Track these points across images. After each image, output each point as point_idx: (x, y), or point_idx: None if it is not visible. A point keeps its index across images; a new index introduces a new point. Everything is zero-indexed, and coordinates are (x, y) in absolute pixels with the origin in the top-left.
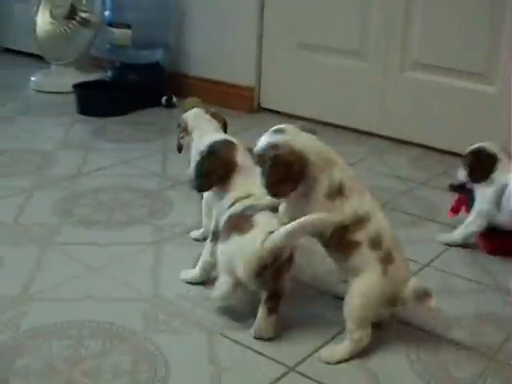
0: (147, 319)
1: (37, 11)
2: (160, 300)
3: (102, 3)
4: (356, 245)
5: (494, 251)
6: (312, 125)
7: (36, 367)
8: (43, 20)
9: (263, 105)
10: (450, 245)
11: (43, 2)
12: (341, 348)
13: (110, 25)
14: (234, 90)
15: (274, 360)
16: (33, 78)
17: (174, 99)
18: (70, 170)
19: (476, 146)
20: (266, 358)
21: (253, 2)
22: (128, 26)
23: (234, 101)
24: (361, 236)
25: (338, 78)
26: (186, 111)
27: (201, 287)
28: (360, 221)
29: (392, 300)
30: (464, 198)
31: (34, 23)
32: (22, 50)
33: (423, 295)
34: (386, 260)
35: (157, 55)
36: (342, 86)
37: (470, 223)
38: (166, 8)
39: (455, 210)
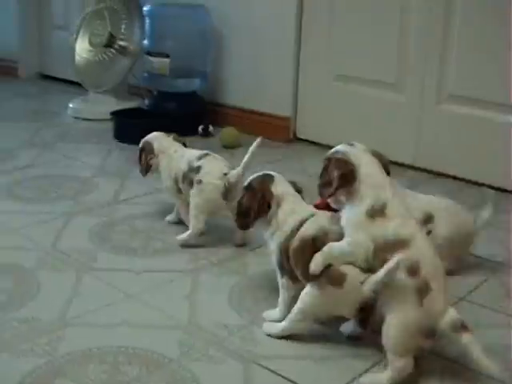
0: (183, 347)
1: (76, 39)
2: (196, 328)
3: (141, 32)
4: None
5: None
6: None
7: None
8: (82, 47)
9: (299, 135)
10: None
11: (82, 30)
12: (382, 376)
13: (149, 53)
14: (270, 119)
15: None
16: (71, 105)
17: (211, 128)
18: (107, 197)
19: None
20: None
21: (291, 32)
22: (166, 55)
23: (271, 131)
24: (398, 262)
25: (375, 110)
26: (222, 140)
27: (236, 315)
28: (400, 244)
29: (429, 331)
30: None
31: (72, 51)
32: (60, 76)
33: (460, 328)
34: (422, 290)
35: (194, 84)
36: (378, 117)
37: None
38: (204, 38)
39: None
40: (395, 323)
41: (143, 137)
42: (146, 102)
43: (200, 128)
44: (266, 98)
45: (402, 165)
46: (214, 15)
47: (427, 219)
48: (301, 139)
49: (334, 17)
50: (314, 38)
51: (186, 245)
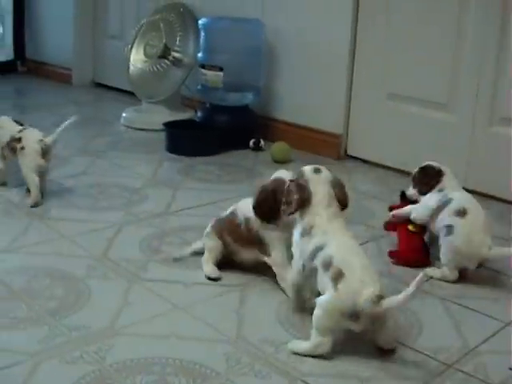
0: (230, 361)
1: (131, 49)
2: (243, 342)
3: (196, 45)
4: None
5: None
6: (397, 174)
7: None
8: (137, 58)
9: (350, 152)
10: None
11: (137, 40)
12: (303, 345)
13: (203, 66)
14: (321, 136)
15: None
16: (124, 114)
17: (262, 142)
18: (158, 208)
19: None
20: None
21: (345, 49)
22: (220, 69)
23: (321, 147)
24: (317, 262)
25: (426, 130)
26: (273, 155)
27: (283, 331)
28: (316, 251)
29: (349, 312)
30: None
31: (127, 60)
32: (113, 85)
33: (376, 300)
34: (336, 277)
35: (247, 98)
36: (429, 137)
37: None
38: (258, 53)
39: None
40: (318, 305)
41: (195, 149)
42: (199, 114)
43: (251, 142)
44: (318, 115)
45: None
46: (268, 30)
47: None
48: (351, 156)
49: (389, 35)
50: (367, 55)
51: (36, 204)
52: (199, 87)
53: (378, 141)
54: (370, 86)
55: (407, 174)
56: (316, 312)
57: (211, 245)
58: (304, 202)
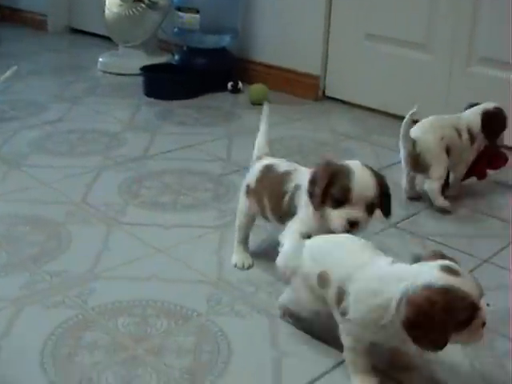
0: (211, 301)
1: None
2: (224, 283)
3: None
4: None
5: None
6: (375, 115)
7: (102, 343)
8: (112, 2)
9: (328, 93)
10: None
11: None
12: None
13: (179, 9)
14: (299, 77)
15: (333, 347)
16: (100, 59)
17: (240, 85)
18: (136, 152)
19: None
20: (326, 345)
21: None
22: (196, 11)
23: (299, 88)
24: None
25: (403, 70)
26: (251, 97)
27: (262, 272)
28: None
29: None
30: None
31: (102, 5)
32: (89, 30)
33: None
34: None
35: (224, 40)
36: (406, 78)
37: None
38: None
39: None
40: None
41: (173, 92)
42: (176, 57)
43: (229, 84)
44: (296, 56)
45: None
46: None
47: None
48: (329, 97)
49: None
50: None
51: None
52: (176, 30)
53: (355, 81)
54: (348, 27)
55: (385, 114)
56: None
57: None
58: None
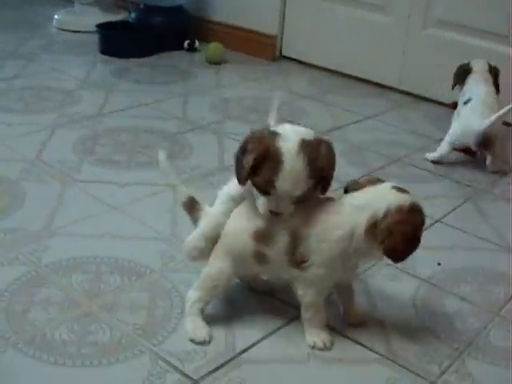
0: (164, 258)
1: None
2: (177, 240)
3: None
4: None
5: None
6: (331, 75)
7: (56, 299)
8: None
9: (285, 53)
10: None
11: None
12: None
13: None
14: (256, 36)
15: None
16: (56, 16)
17: (197, 43)
18: (91, 110)
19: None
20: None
21: None
22: None
23: (256, 48)
24: None
25: (361, 32)
26: (208, 56)
27: None
28: None
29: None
30: None
31: None
32: None
33: None
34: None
35: None
36: (364, 39)
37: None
38: None
39: None
40: None
41: (129, 50)
42: (132, 15)
43: (186, 43)
44: (253, 15)
45: (386, 87)
46: None
47: None
48: (286, 57)
49: None
50: None
51: None
52: None
53: (313, 42)
54: None
55: (342, 75)
56: None
57: None
58: None
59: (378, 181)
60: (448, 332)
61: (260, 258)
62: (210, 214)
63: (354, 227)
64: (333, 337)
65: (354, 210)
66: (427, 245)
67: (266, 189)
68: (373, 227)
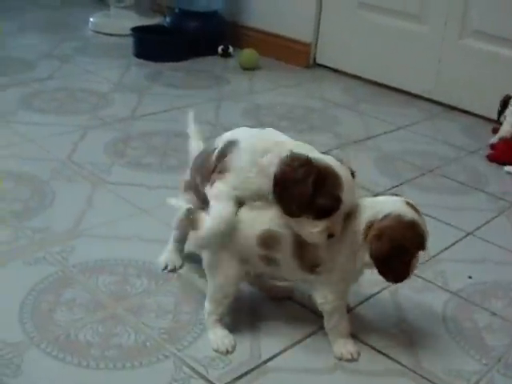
0: (192, 262)
1: None
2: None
3: None
4: None
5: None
6: (365, 84)
7: (82, 300)
8: None
9: (319, 61)
10: None
11: None
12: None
13: None
14: (290, 44)
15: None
16: (91, 19)
17: (231, 49)
18: (124, 112)
19: None
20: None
21: None
22: None
23: (290, 55)
24: None
25: (396, 41)
26: (241, 62)
27: None
28: None
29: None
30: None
31: None
32: None
33: None
34: None
35: (216, 4)
36: (398, 48)
37: None
38: None
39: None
40: None
41: (163, 54)
42: (167, 19)
43: (220, 48)
44: (288, 22)
45: (419, 96)
46: None
47: None
48: (320, 65)
49: None
50: None
51: None
52: None
53: (347, 50)
54: None
55: (375, 84)
56: None
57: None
58: None
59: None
60: (477, 347)
61: (269, 260)
62: (217, 213)
63: (357, 228)
64: (359, 347)
65: (361, 210)
66: (458, 258)
67: (333, 207)
68: (368, 228)
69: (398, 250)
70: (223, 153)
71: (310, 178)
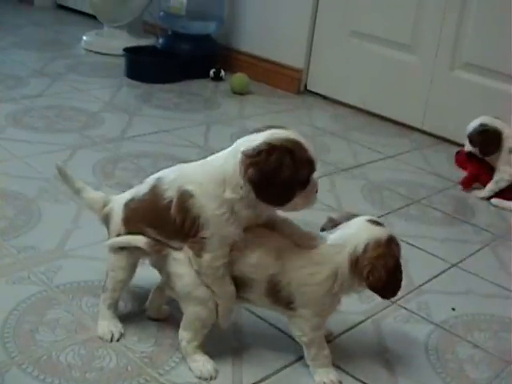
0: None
1: None
2: None
3: None
4: None
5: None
6: (355, 112)
7: (64, 321)
8: None
9: (310, 87)
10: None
11: None
12: None
13: None
14: (282, 69)
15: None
16: (84, 38)
17: (222, 73)
18: (114, 133)
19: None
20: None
21: None
22: None
23: (281, 80)
24: None
25: (387, 70)
26: (232, 86)
27: None
28: None
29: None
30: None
31: None
32: (76, 8)
33: None
34: None
35: (209, 27)
36: (389, 77)
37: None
38: None
39: (467, 183)
40: None
41: (155, 76)
42: (160, 41)
43: (211, 72)
44: (280, 48)
45: (409, 126)
46: None
47: None
48: (311, 92)
49: None
50: None
51: None
52: (162, 14)
53: (338, 77)
54: (334, 22)
55: (365, 112)
56: None
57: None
58: None
59: (353, 216)
60: (458, 379)
61: (242, 299)
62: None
63: (337, 267)
64: (341, 376)
65: (332, 250)
66: (442, 289)
67: (313, 170)
68: (354, 263)
69: (394, 271)
70: (182, 204)
71: (286, 158)
